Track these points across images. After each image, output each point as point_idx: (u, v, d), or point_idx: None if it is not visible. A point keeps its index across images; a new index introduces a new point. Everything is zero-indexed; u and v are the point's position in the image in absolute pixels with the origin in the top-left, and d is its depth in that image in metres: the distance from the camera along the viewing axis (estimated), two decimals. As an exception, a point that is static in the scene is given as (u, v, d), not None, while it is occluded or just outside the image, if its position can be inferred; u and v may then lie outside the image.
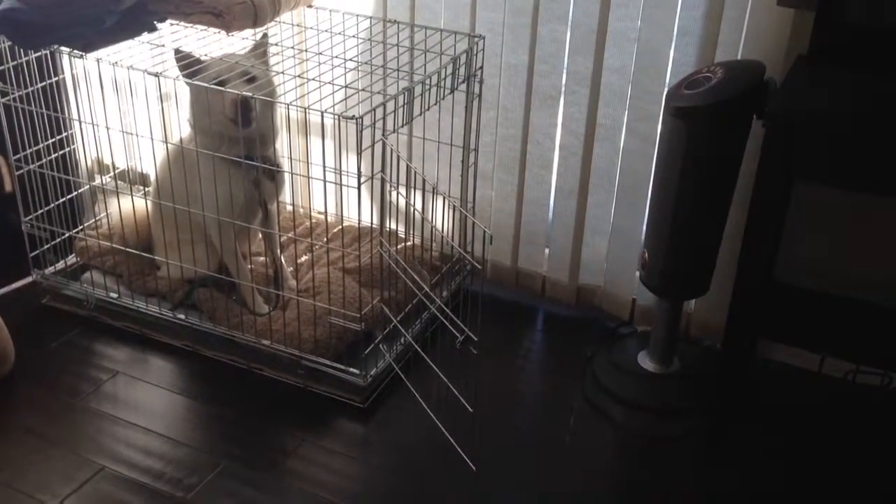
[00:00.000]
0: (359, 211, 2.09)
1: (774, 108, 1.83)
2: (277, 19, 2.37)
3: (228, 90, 2.08)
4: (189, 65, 2.15)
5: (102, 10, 2.07)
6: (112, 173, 2.56)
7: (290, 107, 2.09)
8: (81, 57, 2.18)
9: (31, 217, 2.49)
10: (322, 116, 1.99)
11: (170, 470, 2.02)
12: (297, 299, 2.32)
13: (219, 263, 2.41)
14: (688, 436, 2.19)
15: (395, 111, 2.05)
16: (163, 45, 2.22)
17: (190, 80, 2.14)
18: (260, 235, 2.57)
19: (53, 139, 2.45)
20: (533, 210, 2.59)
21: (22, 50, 2.30)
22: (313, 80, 2.10)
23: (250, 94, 2.07)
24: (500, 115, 2.50)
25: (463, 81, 2.32)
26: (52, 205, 2.49)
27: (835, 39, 1.96)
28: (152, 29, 2.21)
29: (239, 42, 2.32)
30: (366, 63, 2.22)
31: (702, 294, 2.24)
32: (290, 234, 2.58)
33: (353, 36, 2.37)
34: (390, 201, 2.47)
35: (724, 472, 2.09)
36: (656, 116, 2.27)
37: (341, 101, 2.01)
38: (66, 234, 2.54)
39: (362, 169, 2.00)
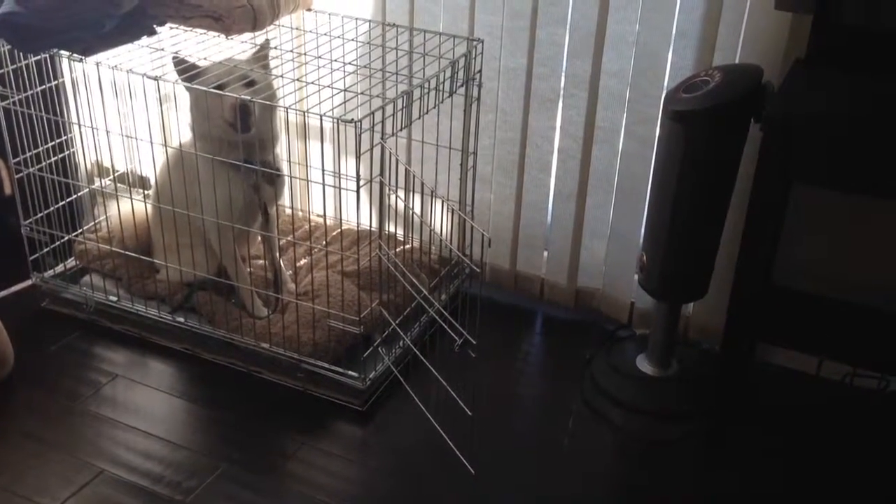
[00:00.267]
0: (358, 214, 2.09)
1: (772, 112, 1.84)
2: (277, 23, 2.38)
3: (227, 94, 2.08)
4: (187, 69, 2.15)
5: (102, 13, 2.08)
6: (111, 176, 2.57)
7: (289, 110, 2.10)
8: (81, 61, 2.18)
9: (30, 220, 2.50)
10: (321, 120, 2.00)
11: (169, 473, 2.02)
12: (297, 302, 2.32)
13: (218, 267, 2.42)
14: (686, 439, 2.19)
15: (393, 114, 2.05)
16: (162, 49, 2.22)
17: (189, 84, 2.14)
18: (259, 239, 2.57)
19: (53, 143, 2.46)
20: (531, 213, 2.59)
21: (21, 53, 2.31)
22: (312, 83, 2.10)
23: (249, 97, 2.07)
24: (499, 118, 2.51)
25: (462, 85, 2.33)
26: (52, 208, 2.49)
27: (832, 42, 1.96)
28: (152, 33, 2.21)
29: (239, 46, 2.32)
30: (365, 66, 2.23)
31: (700, 297, 2.25)
32: (289, 238, 2.58)
33: (352, 39, 2.37)
34: (389, 204, 2.47)
35: (723, 475, 2.09)
36: (654, 120, 2.28)
37: (340, 104, 2.02)
38: (66, 238, 2.54)
39: (361, 172, 2.01)
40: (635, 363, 2.35)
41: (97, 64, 2.15)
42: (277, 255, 2.47)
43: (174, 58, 2.16)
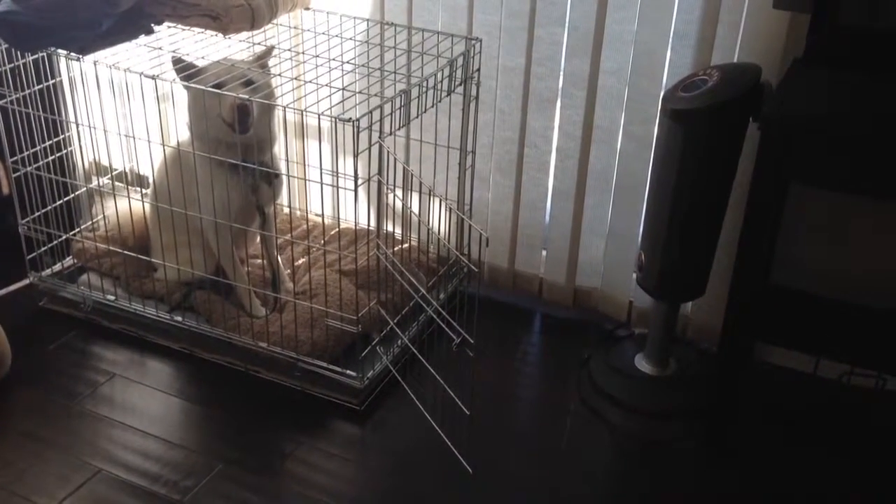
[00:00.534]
0: (356, 213, 2.09)
1: (770, 111, 1.84)
2: (275, 21, 2.37)
3: (226, 93, 2.08)
4: (186, 68, 2.15)
5: (99, 13, 2.07)
6: (109, 175, 2.56)
7: (287, 109, 2.09)
8: (78, 59, 2.18)
9: (28, 219, 2.49)
10: (319, 119, 2.00)
11: (166, 472, 2.02)
12: (294, 302, 2.32)
13: (216, 266, 2.41)
14: (684, 438, 2.19)
15: (392, 113, 2.05)
16: (160, 48, 2.22)
17: (187, 83, 2.14)
18: (258, 238, 2.57)
19: (50, 142, 2.46)
20: (530, 212, 2.59)
21: (18, 52, 2.30)
22: (310, 82, 2.10)
23: (246, 96, 2.07)
24: (497, 117, 2.51)
25: (460, 84, 2.33)
26: (49, 207, 2.49)
27: (830, 42, 1.96)
28: (149, 32, 2.21)
29: (238, 45, 2.32)
30: (363, 65, 2.22)
31: (698, 296, 2.25)
32: (287, 237, 2.58)
33: (351, 38, 2.37)
34: (387, 204, 2.47)
35: (721, 474, 2.09)
36: (653, 119, 2.28)
37: (338, 103, 2.02)
38: (64, 237, 2.54)
39: (359, 171, 2.01)
40: (634, 362, 2.35)
41: (95, 63, 2.15)
42: (276, 254, 2.47)
43: (173, 57, 2.16)
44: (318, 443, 2.12)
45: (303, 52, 2.36)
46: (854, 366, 2.19)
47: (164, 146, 2.30)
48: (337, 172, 2.05)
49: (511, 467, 2.08)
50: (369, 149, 1.99)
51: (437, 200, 2.13)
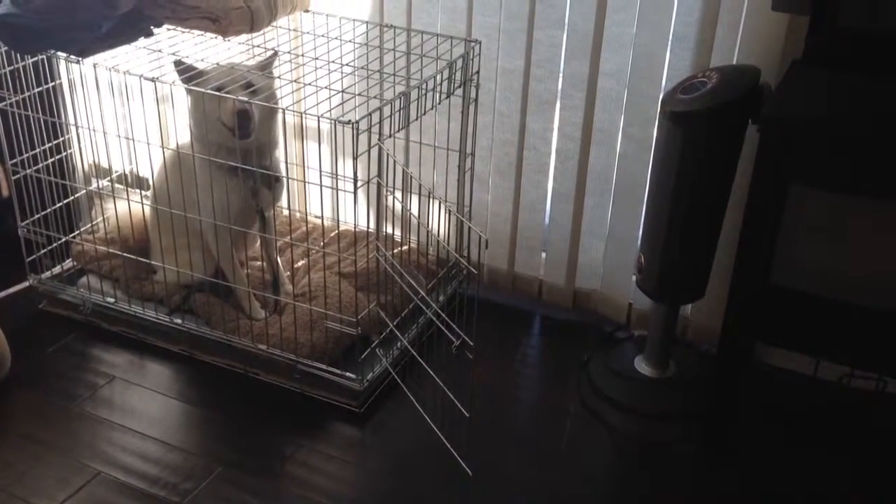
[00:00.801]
0: (355, 215, 2.09)
1: (769, 113, 1.84)
2: (274, 24, 2.38)
3: (227, 96, 2.08)
4: (187, 70, 2.15)
5: (98, 15, 2.07)
6: (109, 177, 2.56)
7: (286, 111, 2.09)
8: (78, 62, 2.18)
9: (27, 222, 2.49)
10: (318, 121, 2.00)
11: (166, 475, 2.01)
12: (294, 304, 2.32)
13: (216, 268, 2.41)
14: (684, 440, 2.19)
15: (391, 116, 2.05)
16: (160, 51, 2.22)
17: (188, 86, 2.14)
18: (258, 241, 2.57)
19: (50, 144, 2.46)
20: (529, 214, 2.59)
21: (18, 55, 2.31)
22: (310, 84, 2.10)
23: (246, 99, 2.07)
24: (497, 119, 2.51)
25: (459, 86, 2.33)
26: (49, 209, 2.49)
27: (829, 43, 1.96)
28: (149, 34, 2.21)
29: (238, 48, 2.32)
30: (362, 68, 2.23)
31: (698, 298, 2.25)
32: (286, 239, 2.58)
33: (350, 41, 2.37)
34: (387, 206, 2.47)
35: (721, 476, 2.09)
36: (652, 120, 2.28)
37: (338, 105, 2.02)
38: (63, 239, 2.54)
39: (359, 173, 2.01)
40: (633, 364, 2.35)
41: (94, 65, 2.15)
42: (275, 256, 2.47)
43: (175, 60, 2.16)
44: (317, 445, 2.12)
45: (302, 55, 2.36)
46: (854, 368, 2.19)
47: (163, 148, 2.30)
48: (336, 174, 2.05)
49: (511, 469, 2.08)
50: (369, 151, 1.99)
51: (436, 202, 2.13)
